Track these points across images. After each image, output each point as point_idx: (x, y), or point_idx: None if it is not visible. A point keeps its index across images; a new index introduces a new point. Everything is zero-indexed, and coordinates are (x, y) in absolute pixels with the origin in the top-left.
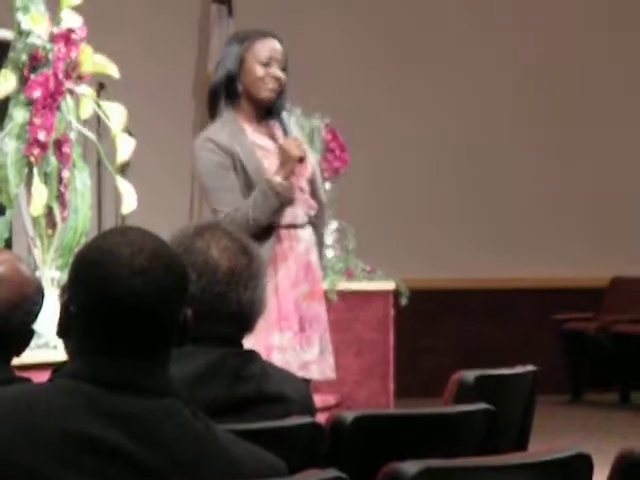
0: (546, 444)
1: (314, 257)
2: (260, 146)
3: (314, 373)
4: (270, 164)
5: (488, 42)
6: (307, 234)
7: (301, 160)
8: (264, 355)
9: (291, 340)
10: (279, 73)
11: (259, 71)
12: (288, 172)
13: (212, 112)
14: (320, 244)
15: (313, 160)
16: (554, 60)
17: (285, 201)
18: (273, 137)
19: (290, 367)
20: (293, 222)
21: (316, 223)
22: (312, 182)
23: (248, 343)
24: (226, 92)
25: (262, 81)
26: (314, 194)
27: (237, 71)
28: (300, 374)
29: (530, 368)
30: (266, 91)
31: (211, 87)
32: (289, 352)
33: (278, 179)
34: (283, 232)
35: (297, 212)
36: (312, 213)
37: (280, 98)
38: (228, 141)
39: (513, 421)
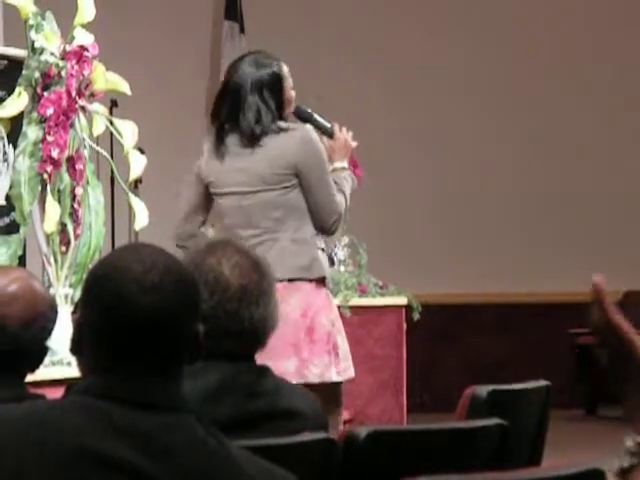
0: (560, 459)
1: None
2: None
3: None
4: None
5: (488, 71)
6: None
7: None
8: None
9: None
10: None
11: (293, 95)
12: (346, 159)
13: (266, 129)
14: None
15: None
16: (545, 89)
17: (354, 184)
18: None
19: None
20: None
21: None
22: None
23: (343, 345)
24: (279, 115)
25: (291, 104)
26: None
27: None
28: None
29: (543, 383)
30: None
31: (273, 109)
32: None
33: (345, 164)
34: None
35: None
36: None
37: None
38: None
39: (526, 436)
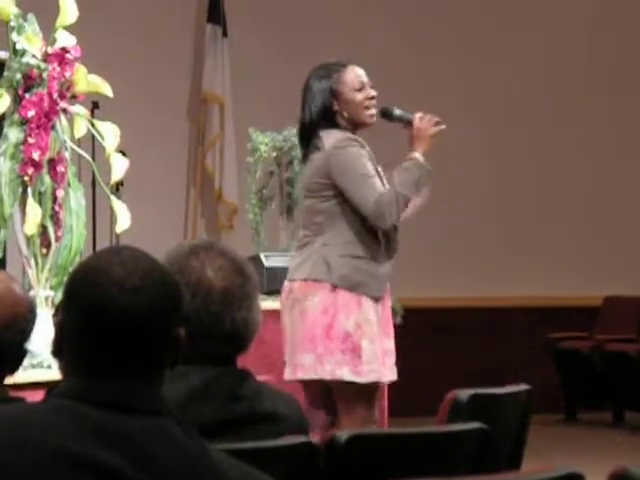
0: (540, 463)
1: None
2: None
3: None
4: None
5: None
6: None
7: (440, 130)
8: (381, 361)
9: (393, 344)
10: (373, 92)
11: (358, 97)
12: (426, 148)
13: (308, 141)
14: None
15: None
16: (535, 88)
17: (425, 173)
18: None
19: (394, 371)
20: None
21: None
22: None
23: (369, 349)
24: (324, 122)
25: (362, 106)
26: None
27: (331, 104)
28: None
29: (524, 387)
30: (370, 117)
31: (305, 121)
32: (394, 356)
33: (418, 156)
34: None
35: None
36: None
37: None
38: (367, 148)
39: (507, 440)
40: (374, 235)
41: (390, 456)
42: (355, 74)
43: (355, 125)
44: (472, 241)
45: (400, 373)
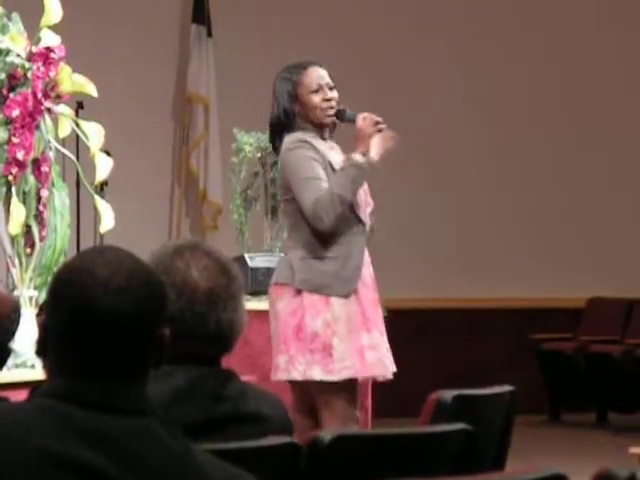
0: (523, 464)
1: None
2: (334, 162)
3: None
4: None
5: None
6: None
7: (380, 130)
8: (357, 357)
9: (379, 339)
10: (330, 94)
11: (314, 100)
12: (365, 148)
13: (275, 144)
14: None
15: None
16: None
17: (362, 173)
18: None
19: (385, 365)
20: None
21: (372, 224)
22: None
23: (341, 347)
24: (287, 124)
25: (319, 108)
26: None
27: (292, 106)
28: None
29: (508, 388)
30: (326, 117)
31: (271, 123)
32: (382, 350)
33: (357, 156)
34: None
35: (366, 219)
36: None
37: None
38: (321, 148)
39: (491, 441)
40: (336, 235)
41: (374, 457)
42: (316, 75)
43: (316, 126)
44: (457, 242)
45: None
